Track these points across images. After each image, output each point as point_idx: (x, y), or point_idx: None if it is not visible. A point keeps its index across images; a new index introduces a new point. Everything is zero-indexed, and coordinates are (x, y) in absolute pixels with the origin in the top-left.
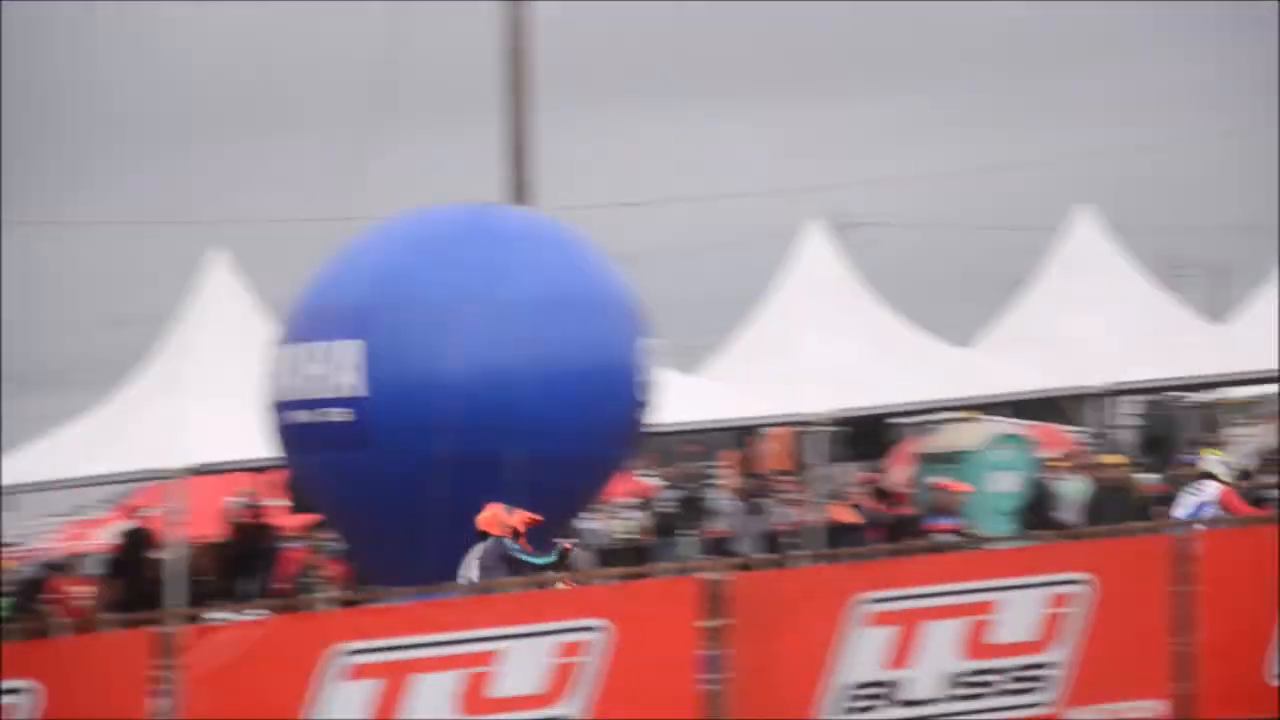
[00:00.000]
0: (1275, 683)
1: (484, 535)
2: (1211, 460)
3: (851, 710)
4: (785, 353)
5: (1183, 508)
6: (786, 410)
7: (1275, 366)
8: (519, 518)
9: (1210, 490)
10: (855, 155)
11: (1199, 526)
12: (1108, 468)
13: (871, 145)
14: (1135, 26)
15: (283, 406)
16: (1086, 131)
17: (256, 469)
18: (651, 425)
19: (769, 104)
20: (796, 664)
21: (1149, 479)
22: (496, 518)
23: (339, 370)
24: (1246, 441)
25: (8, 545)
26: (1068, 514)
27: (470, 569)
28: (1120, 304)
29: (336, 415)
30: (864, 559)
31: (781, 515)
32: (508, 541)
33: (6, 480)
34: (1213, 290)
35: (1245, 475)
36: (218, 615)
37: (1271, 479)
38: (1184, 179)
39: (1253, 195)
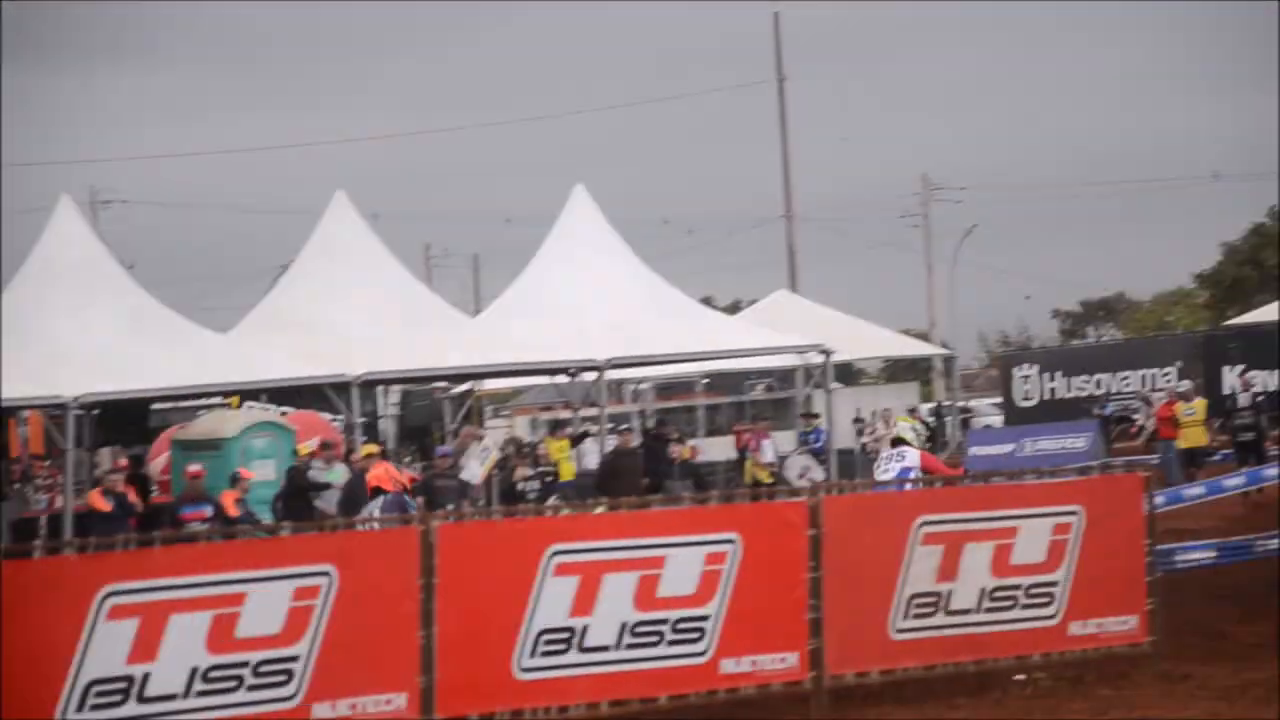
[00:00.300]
0: (522, 676)
1: (378, 491)
2: (904, 427)
3: (95, 708)
4: (35, 333)
5: (886, 473)
6: (37, 392)
7: (531, 359)
8: (406, 476)
9: (911, 456)
10: (115, 129)
11: (908, 487)
12: (365, 457)
13: (133, 120)
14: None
15: None
16: (349, 116)
17: None
18: None
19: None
20: (34, 661)
21: (408, 468)
22: (388, 474)
23: None
24: (500, 432)
25: None
26: (326, 502)
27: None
28: (380, 292)
29: None
30: (109, 549)
31: (33, 502)
32: (406, 497)
33: None
34: (468, 280)
35: (501, 466)
36: None
37: (526, 471)
38: (439, 168)
39: (505, 186)
